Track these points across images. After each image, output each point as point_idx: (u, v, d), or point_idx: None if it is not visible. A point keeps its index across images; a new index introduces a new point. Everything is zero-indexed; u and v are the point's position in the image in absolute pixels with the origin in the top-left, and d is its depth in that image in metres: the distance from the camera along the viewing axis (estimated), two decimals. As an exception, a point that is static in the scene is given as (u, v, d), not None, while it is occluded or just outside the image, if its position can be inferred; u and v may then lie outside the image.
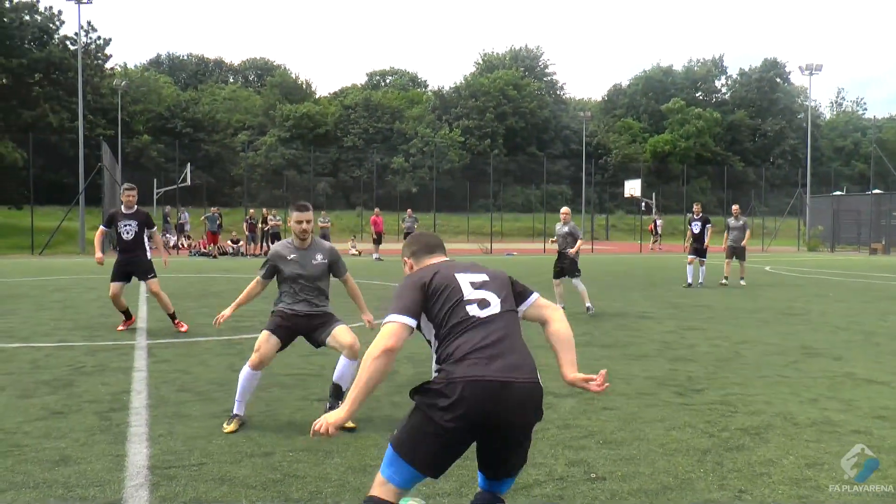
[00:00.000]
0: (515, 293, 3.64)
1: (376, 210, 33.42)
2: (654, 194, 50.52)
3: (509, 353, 3.28)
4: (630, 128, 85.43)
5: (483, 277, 3.54)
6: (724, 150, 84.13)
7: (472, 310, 3.35)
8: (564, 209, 13.72)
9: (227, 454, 5.03)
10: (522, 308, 3.66)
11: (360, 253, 33.61)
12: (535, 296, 3.70)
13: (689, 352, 9.19)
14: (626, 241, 55.57)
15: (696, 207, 19.35)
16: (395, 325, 3.34)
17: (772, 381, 7.54)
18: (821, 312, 13.50)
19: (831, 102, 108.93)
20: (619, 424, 5.80)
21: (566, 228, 13.55)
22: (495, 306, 3.40)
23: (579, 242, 13.43)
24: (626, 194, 51.79)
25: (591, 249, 40.50)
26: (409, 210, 35.63)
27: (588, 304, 12.83)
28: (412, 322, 3.38)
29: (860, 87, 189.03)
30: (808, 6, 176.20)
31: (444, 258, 3.77)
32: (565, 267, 13.44)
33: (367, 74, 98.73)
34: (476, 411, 3.09)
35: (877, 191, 49.85)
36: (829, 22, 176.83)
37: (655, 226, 44.74)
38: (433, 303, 3.42)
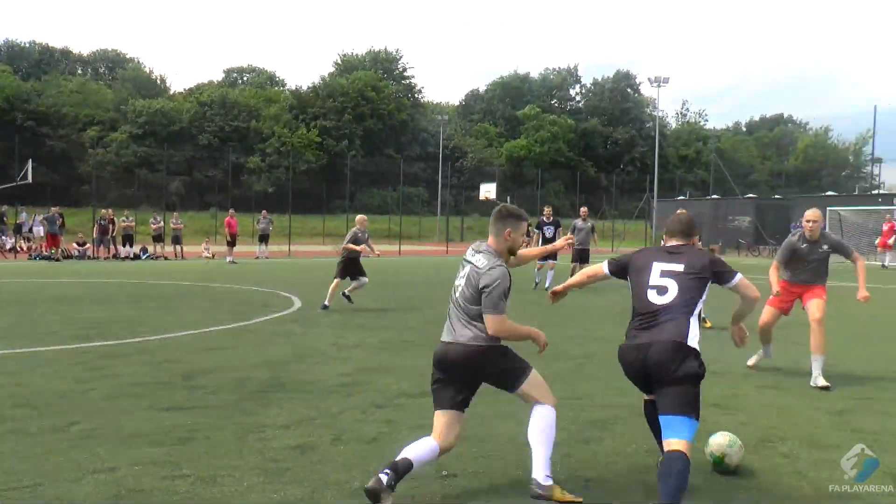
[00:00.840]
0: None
1: (231, 211, 32.42)
2: (509, 198, 51.57)
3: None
4: (486, 132, 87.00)
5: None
6: (578, 155, 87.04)
7: None
8: (584, 209, 18.35)
9: (67, 472, 4.64)
10: None
11: (213, 256, 32.55)
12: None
13: (547, 349, 9.34)
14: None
15: (546, 211, 19.24)
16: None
17: (620, 375, 7.76)
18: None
19: (677, 113, 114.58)
20: (472, 422, 5.79)
21: (589, 224, 18.24)
22: None
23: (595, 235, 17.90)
24: (482, 197, 52.57)
25: (447, 251, 40.95)
26: (264, 211, 34.76)
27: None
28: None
29: (702, 100, 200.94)
30: (658, 23, 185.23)
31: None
32: (583, 257, 17.55)
33: (224, 71, 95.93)
34: None
35: (715, 196, 52.99)
36: (676, 38, 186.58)
37: (530, 228, 45.52)
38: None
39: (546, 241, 18.29)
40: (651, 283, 4.59)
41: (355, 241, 13.95)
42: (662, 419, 4.10)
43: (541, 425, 4.42)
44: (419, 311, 13.21)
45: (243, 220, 41.70)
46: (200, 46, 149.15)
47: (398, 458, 4.21)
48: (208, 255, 32.74)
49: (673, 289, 4.51)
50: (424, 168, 75.74)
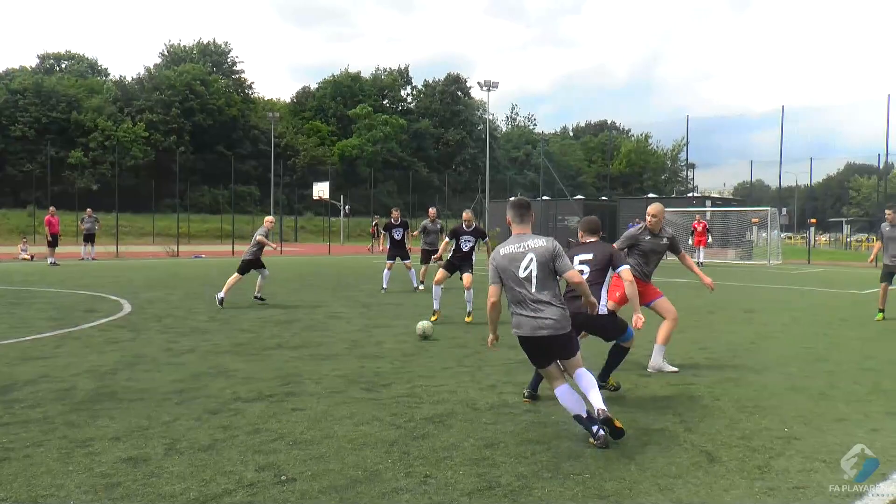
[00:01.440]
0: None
1: (51, 209, 30.35)
2: (342, 196, 51.50)
3: None
4: (318, 130, 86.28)
5: None
6: (410, 156, 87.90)
7: None
8: (432, 210, 18.07)
9: None
10: None
11: (32, 257, 30.48)
12: None
13: (377, 349, 9.44)
14: (315, 242, 56.02)
15: (394, 213, 18.96)
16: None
17: (455, 371, 7.97)
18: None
19: (506, 117, 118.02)
20: (308, 424, 5.79)
21: (438, 225, 17.93)
22: None
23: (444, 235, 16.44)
24: (315, 196, 52.37)
25: (280, 251, 40.31)
26: (88, 210, 32.89)
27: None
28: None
29: (531, 104, 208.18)
30: (486, 29, 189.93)
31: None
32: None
33: (39, 57, 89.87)
34: None
35: (546, 197, 54.86)
36: (505, 44, 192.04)
37: (377, 229, 45.38)
38: None
39: (395, 242, 18.42)
40: (576, 267, 6.59)
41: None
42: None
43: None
44: (253, 314, 12.95)
45: (66, 219, 39.36)
46: (10, 28, 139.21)
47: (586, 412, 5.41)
48: (26, 256, 30.65)
49: (587, 272, 6.67)
50: (256, 166, 74.21)
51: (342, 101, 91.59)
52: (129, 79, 78.62)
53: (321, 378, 7.54)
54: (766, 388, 7.35)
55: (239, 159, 65.96)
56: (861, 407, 6.64)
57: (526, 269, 5.54)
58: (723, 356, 9.28)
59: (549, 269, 5.55)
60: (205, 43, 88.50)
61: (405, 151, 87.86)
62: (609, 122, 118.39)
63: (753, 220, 38.81)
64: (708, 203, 44.18)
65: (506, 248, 5.68)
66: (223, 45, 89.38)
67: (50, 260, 27.38)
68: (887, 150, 37.55)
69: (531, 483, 4.55)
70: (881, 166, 41.25)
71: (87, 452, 5.04)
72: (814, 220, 61.07)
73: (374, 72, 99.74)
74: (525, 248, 5.61)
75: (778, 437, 5.62)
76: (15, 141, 64.75)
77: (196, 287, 18.13)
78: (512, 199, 6.31)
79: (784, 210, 56.58)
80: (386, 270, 18.23)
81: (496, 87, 55.70)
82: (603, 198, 62.32)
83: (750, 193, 64.26)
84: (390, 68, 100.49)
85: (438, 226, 18.67)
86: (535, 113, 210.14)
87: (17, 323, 11.50)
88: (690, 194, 54.01)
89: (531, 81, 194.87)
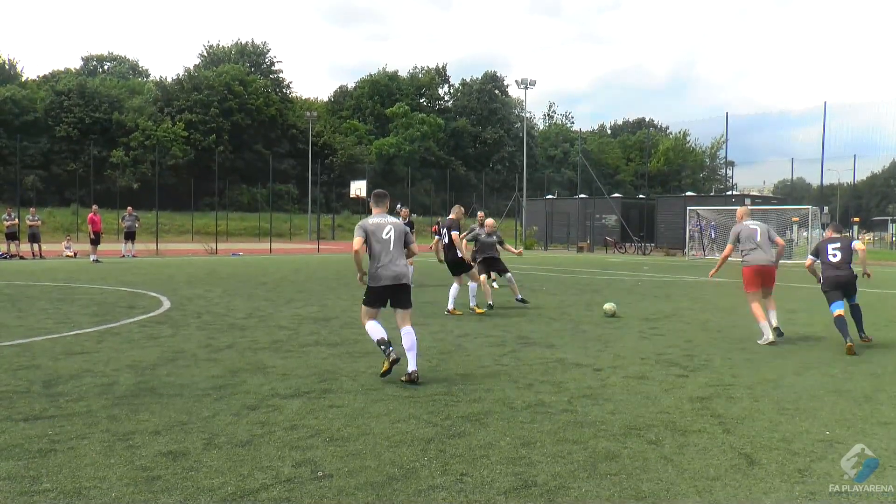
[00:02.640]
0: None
1: (94, 207, 30.86)
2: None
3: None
4: (356, 129, 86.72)
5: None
6: (448, 154, 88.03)
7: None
8: (480, 213, 15.92)
9: None
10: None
11: (75, 254, 31.03)
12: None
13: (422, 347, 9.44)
14: (351, 240, 56.26)
15: (403, 212, 18.97)
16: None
17: (491, 370, 7.97)
18: (536, 305, 14.50)
19: (544, 115, 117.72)
20: (345, 421, 5.82)
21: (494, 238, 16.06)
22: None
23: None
24: (352, 195, 52.58)
25: (318, 249, 40.58)
26: (129, 208, 33.36)
27: None
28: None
29: (568, 102, 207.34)
30: (524, 27, 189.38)
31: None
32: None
33: (83, 59, 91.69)
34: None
35: (583, 195, 54.59)
36: (542, 42, 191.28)
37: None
38: None
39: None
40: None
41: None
42: None
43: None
44: (290, 311, 13.05)
45: (107, 217, 40.05)
46: (56, 30, 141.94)
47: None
48: (70, 253, 31.21)
49: (839, 255, 10.00)
50: (294, 165, 74.84)
51: (379, 100, 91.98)
52: (169, 79, 79.70)
53: (358, 375, 7.59)
54: (808, 390, 7.24)
55: (277, 158, 66.60)
56: (907, 410, 6.51)
57: (387, 234, 7.56)
58: (763, 356, 9.16)
59: (402, 239, 7.65)
60: (243, 43, 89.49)
61: (442, 150, 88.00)
62: (647, 119, 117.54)
63: (794, 219, 38.21)
64: (747, 201, 43.56)
65: (373, 220, 7.68)
66: (261, 46, 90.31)
67: (92, 257, 27.88)
68: (934, 147, 36.68)
69: (567, 483, 4.53)
70: (928, 164, 40.25)
71: (128, 446, 5.12)
72: (857, 219, 59.99)
73: (411, 71, 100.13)
74: (386, 221, 7.64)
75: (819, 441, 5.53)
76: (60, 141, 65.93)
77: (234, 284, 18.32)
78: (375, 190, 8.22)
79: (825, 208, 55.73)
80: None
81: (534, 85, 55.61)
82: (641, 196, 61.86)
83: (791, 192, 63.41)
84: (428, 67, 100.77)
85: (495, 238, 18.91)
86: (573, 111, 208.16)
87: (61, 318, 11.71)
88: (729, 192, 53.36)
89: (569, 79, 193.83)
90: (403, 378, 7.19)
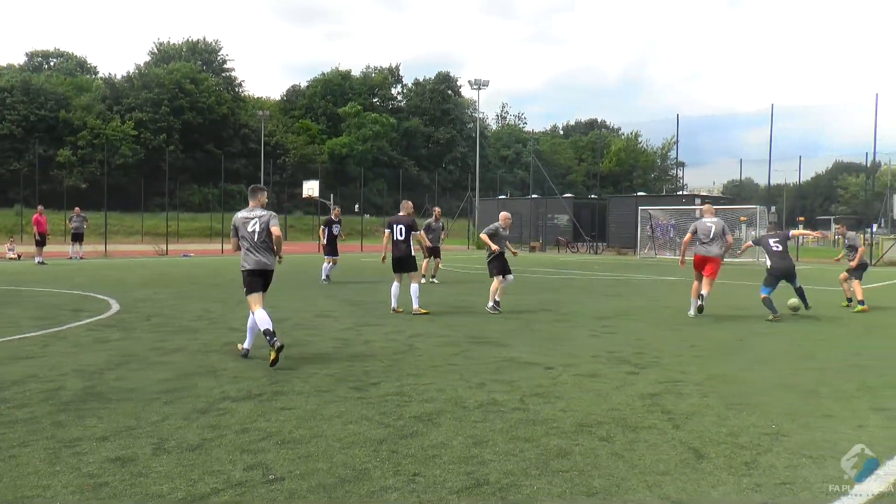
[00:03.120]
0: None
1: (39, 208, 30.09)
2: (332, 195, 51.28)
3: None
4: (308, 129, 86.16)
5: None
6: (400, 154, 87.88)
7: None
8: (437, 209, 17.75)
9: None
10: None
11: (19, 256, 30.31)
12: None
13: (365, 348, 9.44)
14: (304, 240, 55.87)
15: (336, 210, 21.09)
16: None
17: (443, 369, 7.98)
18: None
19: (497, 115, 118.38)
20: (297, 423, 5.78)
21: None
22: None
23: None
24: (305, 195, 52.14)
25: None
26: (76, 208, 32.69)
27: None
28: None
29: (521, 102, 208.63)
30: (477, 27, 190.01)
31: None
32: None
33: (27, 54, 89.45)
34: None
35: (535, 195, 54.87)
36: (495, 43, 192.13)
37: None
38: None
39: (332, 238, 20.16)
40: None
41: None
42: None
43: None
44: (242, 313, 12.90)
45: (53, 218, 39.09)
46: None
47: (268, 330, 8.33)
48: (13, 255, 30.48)
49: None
50: (246, 164, 74.03)
51: (332, 99, 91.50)
52: (118, 77, 78.19)
53: (310, 377, 7.54)
54: (755, 385, 7.38)
55: (229, 158, 65.81)
56: (848, 403, 6.68)
57: (252, 227, 8.55)
58: (712, 353, 9.31)
59: (267, 228, 8.56)
60: (194, 41, 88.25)
61: (395, 150, 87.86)
62: (599, 120, 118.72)
63: (741, 219, 38.91)
64: (697, 201, 44.26)
65: (242, 214, 8.69)
66: (213, 44, 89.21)
67: (37, 259, 27.24)
68: (875, 149, 37.74)
69: (519, 480, 4.56)
70: (868, 165, 41.31)
71: (74, 452, 5.02)
72: (802, 218, 61.26)
73: (364, 70, 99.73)
74: (254, 215, 8.61)
75: (765, 434, 5.64)
76: (2, 139, 64.28)
77: (185, 286, 18.09)
78: (252, 185, 9.18)
79: (773, 208, 56.78)
80: (327, 265, 19.97)
81: (486, 85, 55.76)
82: (592, 196, 62.42)
83: (739, 192, 64.47)
84: (380, 67, 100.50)
85: (440, 224, 20.71)
86: (526, 111, 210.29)
87: (5, 322, 11.45)
88: (680, 192, 54.13)
89: (522, 80, 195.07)
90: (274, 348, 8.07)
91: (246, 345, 8.77)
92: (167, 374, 7.57)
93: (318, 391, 6.89)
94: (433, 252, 19.66)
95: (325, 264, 20.15)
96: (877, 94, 35.92)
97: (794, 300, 13.63)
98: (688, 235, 13.53)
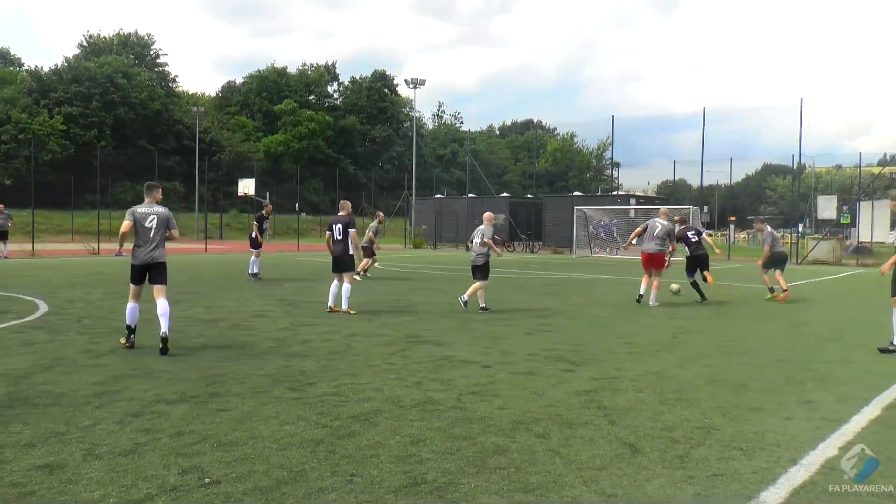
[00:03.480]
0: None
1: (-40, 205, 29.18)
2: (268, 193, 50.82)
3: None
4: (244, 126, 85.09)
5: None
6: (337, 153, 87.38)
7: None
8: (379, 213, 19.42)
9: None
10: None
11: (-64, 257, 29.27)
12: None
13: (302, 347, 9.37)
14: (240, 239, 55.17)
15: (268, 208, 21.47)
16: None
17: (380, 369, 7.96)
18: (425, 303, 14.57)
19: (433, 115, 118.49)
20: (233, 425, 5.70)
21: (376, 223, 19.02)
22: None
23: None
24: (240, 193, 51.56)
25: (205, 249, 39.61)
26: (0, 205, 31.71)
27: None
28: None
29: (458, 102, 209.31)
30: (413, 27, 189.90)
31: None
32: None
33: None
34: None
35: (471, 195, 55.12)
36: (432, 42, 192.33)
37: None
38: None
39: (262, 232, 20.69)
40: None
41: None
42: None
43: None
44: (177, 313, 12.67)
45: (-24, 217, 37.80)
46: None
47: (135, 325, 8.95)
48: (-68, 256, 29.40)
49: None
50: (180, 161, 72.68)
51: (268, 96, 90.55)
52: (45, 69, 75.83)
53: (246, 378, 7.44)
54: (688, 381, 7.54)
55: (163, 155, 64.55)
56: (776, 397, 6.88)
57: (150, 222, 9.14)
58: (646, 350, 9.48)
59: (165, 225, 9.23)
60: (126, 34, 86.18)
61: (331, 148, 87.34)
62: (535, 120, 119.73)
63: (676, 218, 39.61)
64: (632, 201, 44.99)
65: (141, 209, 9.26)
66: (146, 37, 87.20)
67: (-39, 260, 26.33)
68: (800, 152, 39.05)
69: (457, 479, 4.58)
70: (795, 167, 42.58)
71: (-2, 459, 4.87)
72: (734, 218, 62.73)
73: (300, 67, 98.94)
74: (152, 211, 9.24)
75: (698, 428, 5.77)
76: (-80, 133, 61.90)
77: (118, 286, 17.67)
78: (147, 182, 9.78)
79: (705, 208, 58.07)
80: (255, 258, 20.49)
81: (423, 84, 55.73)
82: (529, 195, 62.93)
83: (673, 192, 65.77)
84: (317, 64, 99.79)
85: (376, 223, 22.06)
86: (462, 111, 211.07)
87: None
88: (615, 192, 54.92)
89: (459, 80, 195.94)
90: (127, 343, 9.09)
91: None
92: (99, 377, 7.39)
93: (255, 392, 6.81)
94: (369, 252, 20.69)
95: (252, 258, 20.47)
96: (801, 99, 37.11)
97: (676, 285, 16.12)
98: (639, 229, 15.72)
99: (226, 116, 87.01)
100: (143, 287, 9.27)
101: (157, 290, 9.10)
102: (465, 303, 13.53)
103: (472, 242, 14.05)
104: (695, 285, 15.66)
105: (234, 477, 4.56)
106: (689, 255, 16.09)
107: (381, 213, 22.96)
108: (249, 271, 20.29)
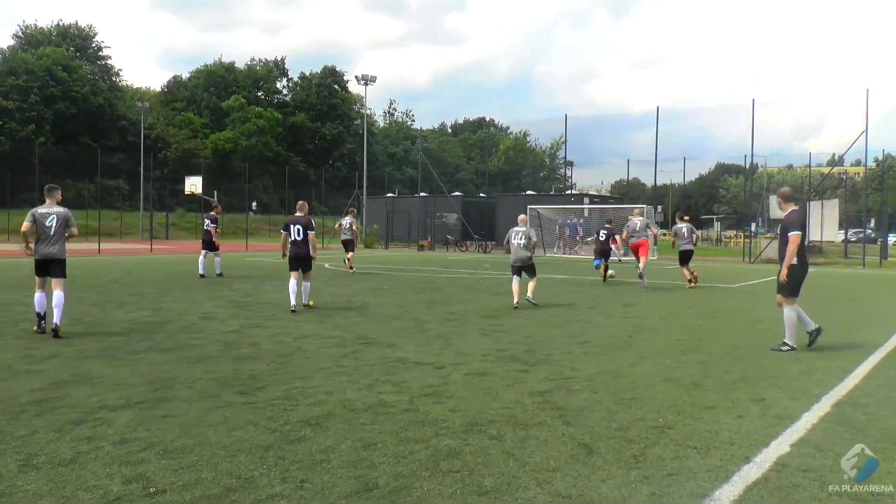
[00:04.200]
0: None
1: None
2: (215, 192, 50.25)
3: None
4: (191, 122, 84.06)
5: None
6: (286, 150, 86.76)
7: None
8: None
9: None
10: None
11: None
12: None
13: (252, 350, 9.26)
14: (187, 239, 54.49)
15: (218, 209, 21.95)
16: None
17: (332, 371, 7.91)
18: (377, 304, 14.52)
19: (384, 112, 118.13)
20: (180, 431, 5.61)
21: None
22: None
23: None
24: (187, 191, 50.86)
25: (151, 249, 39.00)
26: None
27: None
28: None
29: (409, 99, 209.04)
30: (365, 23, 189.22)
31: None
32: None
33: None
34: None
35: (423, 194, 55.09)
36: (383, 38, 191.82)
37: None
38: None
39: (207, 232, 20.97)
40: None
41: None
42: None
43: None
44: (122, 316, 12.47)
45: None
46: None
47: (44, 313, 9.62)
48: None
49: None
50: (125, 159, 71.39)
51: (215, 92, 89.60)
52: (-23, 61, 74.01)
53: (194, 382, 7.33)
54: (642, 380, 7.61)
55: (106, 151, 63.29)
56: (729, 395, 6.99)
57: (50, 222, 10.19)
58: (601, 349, 9.55)
59: (65, 225, 10.31)
60: (66, 25, 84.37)
61: (281, 145, 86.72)
62: (488, 119, 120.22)
63: (630, 217, 40.01)
64: (586, 200, 45.35)
65: (42, 210, 10.25)
66: (87, 29, 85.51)
67: None
68: (752, 152, 39.57)
69: (410, 483, 4.56)
70: (747, 167, 43.27)
71: (-70, 470, 4.72)
72: (688, 217, 63.65)
73: (248, 62, 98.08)
74: (52, 212, 10.27)
75: (653, 427, 5.83)
76: None
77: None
78: (47, 185, 10.81)
79: (659, 207, 58.79)
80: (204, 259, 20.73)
81: (374, 81, 55.60)
82: (482, 195, 63.13)
83: (627, 191, 66.52)
84: (265, 59, 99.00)
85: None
86: (414, 109, 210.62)
87: None
88: (569, 192, 55.33)
89: (411, 77, 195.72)
90: (38, 329, 10.30)
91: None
92: (37, 384, 7.21)
93: (203, 397, 6.71)
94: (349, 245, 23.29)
95: (200, 258, 20.68)
96: (753, 100, 37.40)
97: (612, 271, 20.79)
98: (625, 233, 20.07)
99: (172, 112, 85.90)
100: (47, 279, 10.37)
101: (55, 282, 10.23)
102: (535, 303, 14.49)
103: (514, 242, 14.89)
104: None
105: (180, 485, 4.49)
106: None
107: (353, 209, 25.41)
108: (200, 272, 20.28)
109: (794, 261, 9.40)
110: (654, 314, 13.50)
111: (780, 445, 5.43)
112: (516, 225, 14.90)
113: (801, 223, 9.78)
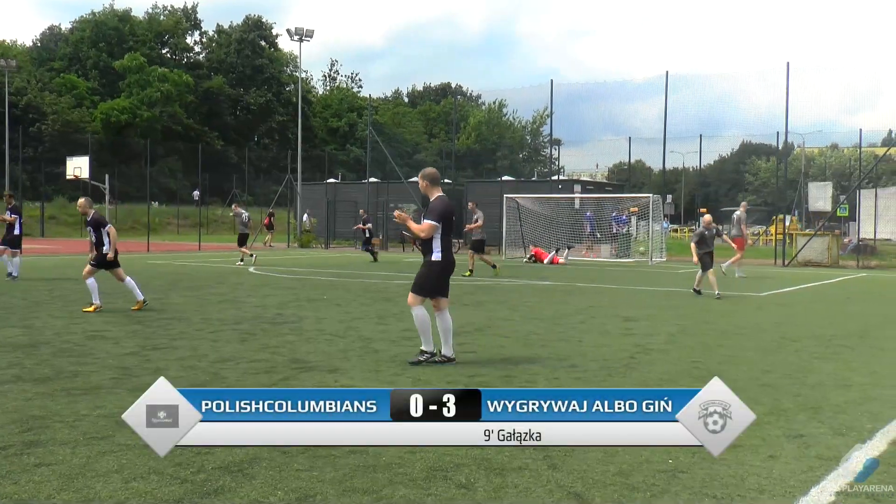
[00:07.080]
0: None
1: None
2: (107, 176, 49.75)
3: None
4: (74, 87, 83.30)
5: None
6: (200, 124, 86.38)
7: None
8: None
9: None
10: None
11: None
12: None
13: (155, 377, 9.16)
14: (69, 237, 53.94)
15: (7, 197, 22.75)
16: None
17: (257, 405, 7.88)
18: (316, 319, 14.50)
19: (324, 76, 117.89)
20: (60, 484, 5.57)
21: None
22: None
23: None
24: (70, 175, 50.25)
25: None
26: None
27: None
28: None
29: (356, 60, 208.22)
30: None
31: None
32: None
33: None
34: None
35: (374, 179, 54.91)
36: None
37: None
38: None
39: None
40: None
41: None
42: None
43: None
44: (10, 329, 12.34)
45: None
46: None
47: None
48: None
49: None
50: (-16, 134, 70.69)
51: (106, 48, 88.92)
52: None
53: (78, 420, 7.27)
54: (647, 414, 7.67)
55: (-42, 124, 62.47)
56: (757, 430, 7.04)
57: None
58: (596, 375, 9.63)
59: None
60: None
61: (193, 118, 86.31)
62: (455, 85, 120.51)
63: (632, 209, 40.17)
64: (577, 188, 45.27)
65: None
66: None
67: None
68: (787, 129, 38.75)
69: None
70: (780, 147, 42.49)
71: None
72: (705, 209, 64.12)
73: (149, 11, 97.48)
74: None
75: (661, 472, 5.88)
76: None
77: None
78: None
79: (669, 197, 59.32)
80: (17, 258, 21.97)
81: (311, 36, 55.45)
82: (447, 181, 63.22)
83: (629, 177, 66.87)
84: (172, 7, 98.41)
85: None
86: (362, 72, 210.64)
87: None
88: (555, 177, 55.32)
89: (358, 32, 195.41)
90: None
91: None
92: None
93: (90, 439, 6.66)
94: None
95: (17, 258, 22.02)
96: (788, 63, 36.33)
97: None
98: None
99: (48, 74, 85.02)
100: None
101: None
102: (719, 296, 18.74)
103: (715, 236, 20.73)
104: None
105: None
106: None
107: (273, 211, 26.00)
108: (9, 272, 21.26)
109: (438, 256, 10.80)
110: (662, 331, 13.60)
111: (823, 494, 5.49)
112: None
113: (442, 213, 10.93)
